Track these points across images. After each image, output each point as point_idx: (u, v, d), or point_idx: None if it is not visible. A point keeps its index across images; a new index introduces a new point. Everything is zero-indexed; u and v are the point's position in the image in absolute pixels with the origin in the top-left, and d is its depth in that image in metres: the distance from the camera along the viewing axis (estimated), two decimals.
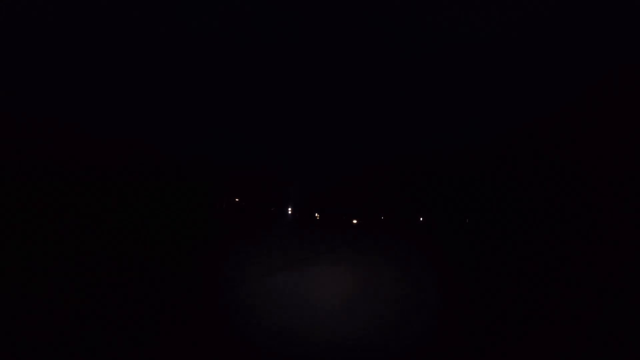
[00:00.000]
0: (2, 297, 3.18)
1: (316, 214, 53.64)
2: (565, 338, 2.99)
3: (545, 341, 2.79)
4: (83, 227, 10.41)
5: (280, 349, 2.41)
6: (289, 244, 9.85)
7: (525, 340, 2.87)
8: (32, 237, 7.16)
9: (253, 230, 15.13)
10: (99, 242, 7.09)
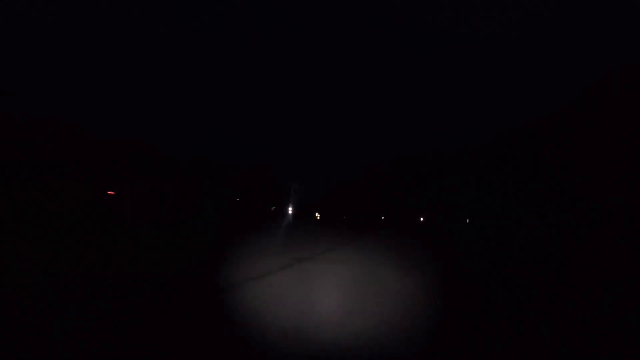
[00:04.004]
0: (2, 297, 3.18)
1: (316, 214, 53.69)
2: (565, 338, 3.00)
3: (545, 341, 2.80)
4: (83, 227, 10.43)
5: (279, 349, 2.42)
6: (289, 244, 9.85)
7: (525, 340, 2.88)
8: (32, 237, 7.16)
9: (253, 230, 15.12)
10: (98, 242, 7.10)
